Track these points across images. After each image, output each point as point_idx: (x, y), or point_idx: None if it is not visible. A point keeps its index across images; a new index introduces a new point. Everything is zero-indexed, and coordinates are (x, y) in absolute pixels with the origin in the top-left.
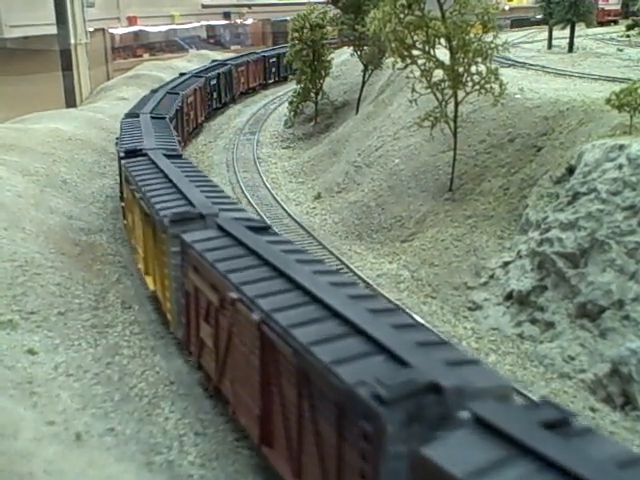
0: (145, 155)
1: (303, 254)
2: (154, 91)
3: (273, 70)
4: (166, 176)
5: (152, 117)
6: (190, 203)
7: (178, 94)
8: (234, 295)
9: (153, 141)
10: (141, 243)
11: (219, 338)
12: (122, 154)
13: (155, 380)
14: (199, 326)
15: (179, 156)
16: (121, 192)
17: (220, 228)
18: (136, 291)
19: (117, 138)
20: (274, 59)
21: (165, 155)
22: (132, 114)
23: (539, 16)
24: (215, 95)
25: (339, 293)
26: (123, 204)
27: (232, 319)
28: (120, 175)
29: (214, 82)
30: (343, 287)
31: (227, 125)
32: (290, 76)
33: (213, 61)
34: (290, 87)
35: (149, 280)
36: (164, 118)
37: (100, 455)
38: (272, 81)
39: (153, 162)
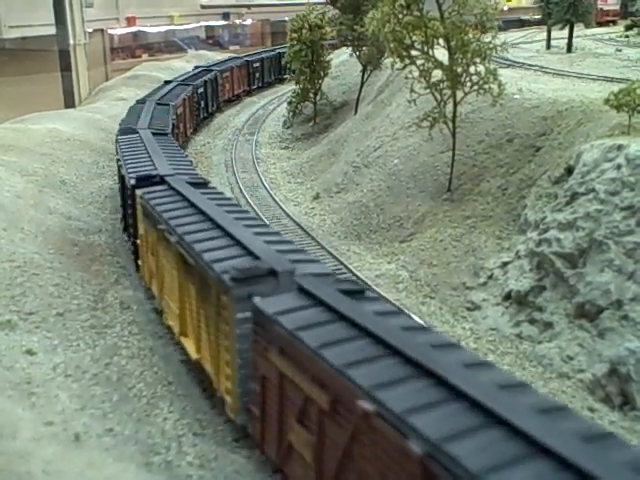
0: (164, 183)
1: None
2: (141, 102)
3: (257, 75)
4: (203, 213)
5: (153, 133)
6: (250, 253)
7: (168, 105)
8: (368, 406)
9: (166, 164)
10: (175, 297)
11: (327, 453)
12: (133, 181)
13: (154, 380)
14: (286, 426)
15: (205, 184)
16: (131, 225)
17: (304, 291)
18: (134, 291)
19: (119, 160)
20: (257, 64)
21: (190, 183)
22: (128, 129)
23: (528, 16)
24: (202, 104)
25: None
26: (139, 241)
27: (360, 436)
28: (131, 206)
29: (201, 90)
30: None
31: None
32: (276, 82)
33: (196, 67)
34: (275, 94)
35: (188, 344)
36: (167, 134)
37: (99, 455)
38: (256, 87)
39: (179, 193)
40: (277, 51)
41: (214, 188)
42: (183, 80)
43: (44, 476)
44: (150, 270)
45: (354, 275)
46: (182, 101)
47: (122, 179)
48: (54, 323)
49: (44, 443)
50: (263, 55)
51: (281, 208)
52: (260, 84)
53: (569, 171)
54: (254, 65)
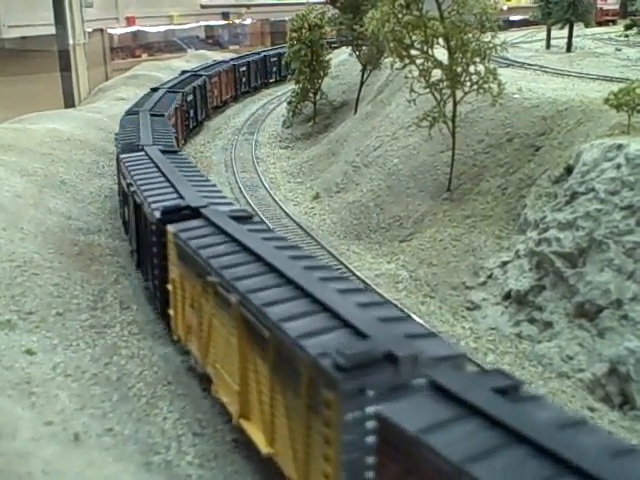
0: (200, 217)
1: None
2: (132, 113)
3: (244, 80)
4: (264, 261)
5: (162, 151)
6: (347, 323)
7: (163, 115)
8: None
9: (193, 192)
10: (233, 369)
11: None
12: (158, 214)
13: (153, 380)
14: None
15: (250, 217)
16: (154, 265)
17: (440, 390)
18: (134, 291)
19: (131, 185)
20: (244, 68)
21: (233, 218)
22: (132, 147)
23: (520, 17)
24: (192, 113)
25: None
26: (169, 287)
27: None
28: (157, 243)
29: (190, 98)
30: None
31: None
32: (262, 86)
33: (183, 72)
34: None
35: (253, 432)
36: (177, 152)
37: (98, 455)
38: (242, 92)
39: (224, 232)
40: (263, 54)
41: (261, 223)
42: (171, 87)
43: (44, 476)
44: (189, 326)
45: (354, 275)
46: (174, 111)
47: (137, 208)
48: (54, 323)
49: (44, 443)
50: (249, 58)
51: (281, 208)
52: (247, 88)
53: (569, 170)
54: (241, 69)
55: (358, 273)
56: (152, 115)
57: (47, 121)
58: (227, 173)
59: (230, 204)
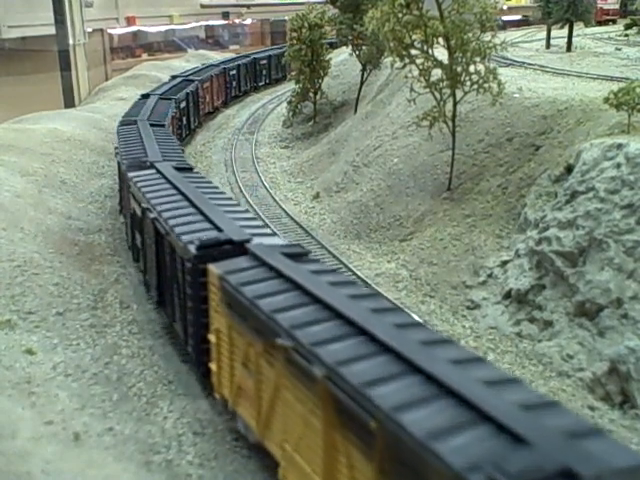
0: (250, 255)
1: None
2: (128, 122)
3: (234, 84)
4: (345, 318)
5: (178, 168)
6: (502, 428)
7: (164, 126)
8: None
9: (229, 220)
10: (314, 459)
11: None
12: (194, 249)
13: (153, 380)
14: None
15: (307, 254)
16: (186, 309)
17: None
18: (134, 291)
19: (149, 211)
20: (234, 72)
21: (288, 255)
22: (141, 163)
23: (513, 17)
24: (184, 121)
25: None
26: (212, 337)
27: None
28: (194, 285)
29: (183, 105)
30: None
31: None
32: (252, 90)
33: (172, 77)
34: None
35: None
36: (192, 169)
37: (99, 455)
38: (233, 96)
39: (287, 278)
40: (252, 57)
41: (319, 262)
42: (163, 93)
43: (44, 475)
44: (240, 388)
45: (354, 274)
46: (171, 120)
47: (159, 238)
48: (54, 322)
49: (44, 442)
50: (239, 62)
51: (281, 207)
52: (237, 93)
53: (569, 170)
54: (231, 73)
55: (358, 272)
56: (152, 125)
57: (47, 121)
58: (227, 173)
59: (274, 235)
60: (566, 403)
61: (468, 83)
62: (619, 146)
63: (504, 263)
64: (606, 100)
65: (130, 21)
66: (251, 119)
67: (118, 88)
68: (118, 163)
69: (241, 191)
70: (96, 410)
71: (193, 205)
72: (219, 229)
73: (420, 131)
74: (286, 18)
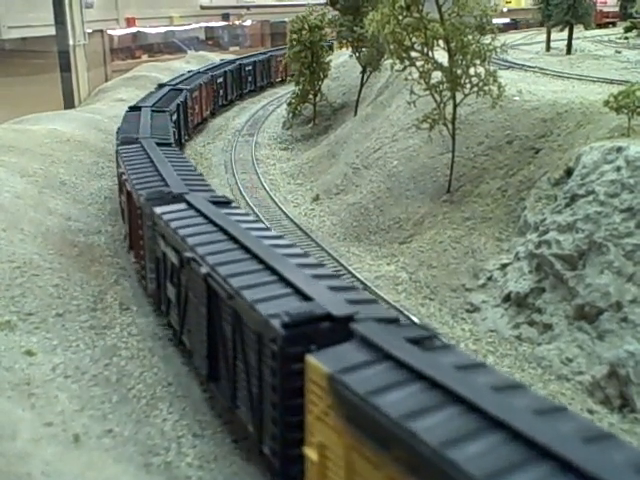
0: (375, 348)
1: None
2: (129, 142)
3: (221, 93)
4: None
5: (214, 202)
6: None
7: (171, 144)
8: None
9: (315, 283)
10: None
11: None
12: (281, 328)
13: (153, 381)
14: None
15: (433, 337)
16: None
17: None
18: (134, 292)
19: (195, 262)
20: (221, 79)
21: (411, 341)
22: (164, 196)
23: (505, 19)
24: (176, 135)
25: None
26: (310, 453)
27: None
28: (284, 392)
29: (175, 117)
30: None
31: None
32: (237, 98)
33: (160, 85)
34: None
35: None
36: (229, 202)
37: (98, 456)
38: (220, 105)
39: (434, 383)
40: (238, 62)
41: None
42: (153, 105)
43: (43, 477)
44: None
45: (354, 277)
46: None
47: (212, 295)
48: (54, 324)
49: (43, 444)
50: (225, 68)
51: (281, 209)
52: (224, 102)
53: (569, 173)
54: (218, 81)
55: (358, 275)
56: (160, 145)
57: (47, 122)
58: (227, 174)
59: (375, 303)
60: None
61: (468, 86)
62: (619, 149)
63: (504, 266)
64: (606, 103)
65: (130, 22)
66: (251, 121)
67: (118, 89)
68: (123, 186)
69: (241, 193)
70: (96, 412)
71: (257, 258)
72: (306, 296)
73: (420, 133)
74: (286, 20)
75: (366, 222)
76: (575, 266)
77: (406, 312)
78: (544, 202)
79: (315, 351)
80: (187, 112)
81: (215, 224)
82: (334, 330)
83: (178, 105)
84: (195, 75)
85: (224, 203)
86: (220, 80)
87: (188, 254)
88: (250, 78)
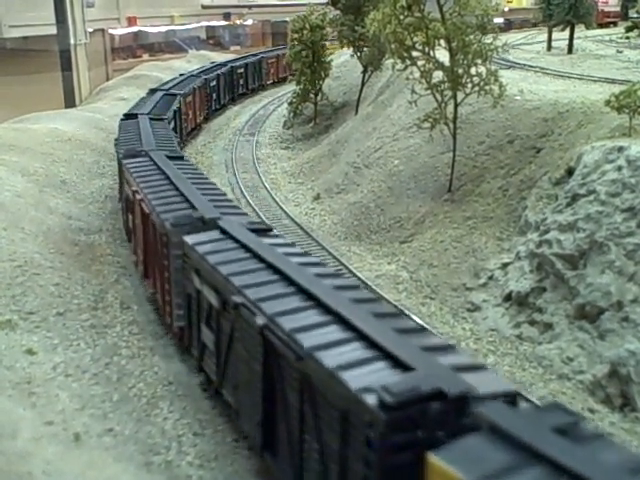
0: (505, 439)
1: None
2: (133, 155)
3: (214, 97)
4: None
5: (254, 231)
6: None
7: (182, 157)
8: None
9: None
10: None
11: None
12: (385, 416)
13: (154, 380)
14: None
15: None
16: None
17: None
18: (135, 291)
19: (262, 321)
20: (214, 82)
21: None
22: (192, 222)
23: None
24: None
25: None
26: None
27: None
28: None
29: (172, 125)
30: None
31: None
32: (230, 102)
33: (151, 90)
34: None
35: None
36: (270, 230)
37: (99, 455)
38: (214, 109)
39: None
40: (230, 65)
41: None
42: (150, 112)
43: (44, 476)
44: None
45: (355, 276)
46: None
47: (272, 353)
48: (54, 323)
49: (44, 443)
50: (218, 71)
51: (281, 208)
52: (217, 106)
53: (570, 172)
54: (211, 84)
55: (359, 274)
56: (170, 158)
57: (48, 121)
58: (228, 173)
59: (487, 370)
60: (567, 406)
61: (469, 85)
62: (620, 149)
63: (505, 265)
64: (607, 103)
65: (131, 21)
66: (252, 120)
67: (119, 88)
68: (135, 206)
69: (242, 192)
70: (96, 411)
71: (323, 306)
72: (401, 363)
73: (421, 133)
74: (287, 19)
75: (367, 221)
76: (576, 265)
77: (407, 311)
78: (545, 201)
79: (433, 442)
80: (181, 118)
81: (261, 259)
82: (446, 412)
83: (175, 112)
84: (188, 79)
85: (264, 230)
86: (213, 84)
87: (236, 298)
88: (242, 81)
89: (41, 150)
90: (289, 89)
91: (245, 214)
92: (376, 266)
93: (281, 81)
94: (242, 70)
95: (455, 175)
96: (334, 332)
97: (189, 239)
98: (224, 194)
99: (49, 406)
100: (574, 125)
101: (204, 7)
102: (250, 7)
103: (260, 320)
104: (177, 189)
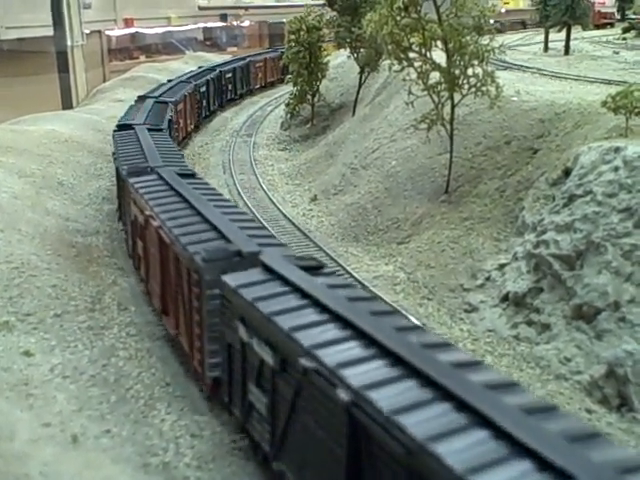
0: None
1: None
2: (136, 172)
3: (204, 104)
4: None
5: (306, 268)
6: None
7: (194, 175)
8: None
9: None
10: None
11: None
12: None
13: (151, 382)
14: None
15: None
16: None
17: None
18: (132, 293)
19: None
20: (204, 88)
21: None
22: (223, 254)
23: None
24: None
25: None
26: None
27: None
28: None
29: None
30: None
31: None
32: (219, 108)
33: (140, 98)
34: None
35: None
36: (322, 268)
37: (96, 457)
38: (204, 116)
39: None
40: (218, 70)
41: None
42: (144, 122)
43: (41, 478)
44: None
45: (352, 277)
46: None
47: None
48: (52, 324)
49: (42, 444)
50: (208, 76)
51: (279, 210)
52: (207, 113)
53: (567, 173)
54: (201, 90)
55: (356, 275)
56: (182, 175)
57: (45, 122)
58: (225, 175)
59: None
60: (563, 406)
61: (466, 86)
62: (617, 149)
63: (502, 266)
64: (604, 104)
65: (128, 23)
66: (249, 121)
67: (116, 90)
68: (145, 231)
69: (239, 193)
70: (94, 412)
71: (424, 376)
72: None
73: (418, 134)
74: (284, 20)
75: (364, 222)
76: (573, 266)
77: (404, 312)
78: (542, 202)
79: None
80: (172, 128)
81: (325, 308)
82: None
83: (169, 121)
84: (177, 85)
85: (316, 268)
86: (203, 90)
87: (305, 362)
88: (230, 86)
89: (38, 152)
90: (278, 94)
91: (283, 245)
92: (373, 267)
93: (268, 85)
94: (230, 75)
95: (452, 176)
96: (449, 414)
97: (230, 280)
98: (253, 219)
99: (46, 408)
100: (571, 126)
101: (201, 8)
102: (247, 8)
103: (345, 395)
104: (200, 214)
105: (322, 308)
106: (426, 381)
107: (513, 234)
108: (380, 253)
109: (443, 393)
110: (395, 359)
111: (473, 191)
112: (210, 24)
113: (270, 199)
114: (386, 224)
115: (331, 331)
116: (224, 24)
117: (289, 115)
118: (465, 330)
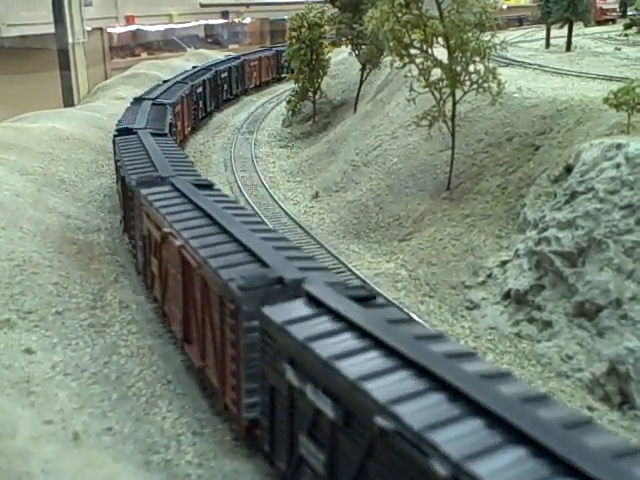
0: None
1: None
2: (147, 183)
3: (200, 105)
4: None
5: (354, 297)
6: None
7: (211, 186)
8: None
9: None
10: None
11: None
12: None
13: (153, 379)
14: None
15: None
16: None
17: None
18: (134, 290)
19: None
20: (200, 89)
21: None
22: (262, 281)
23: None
24: None
25: None
26: None
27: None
28: None
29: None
30: None
31: None
32: (215, 110)
33: (135, 99)
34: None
35: None
36: (373, 297)
37: (98, 454)
38: (200, 118)
39: None
40: (214, 70)
41: None
42: (145, 127)
43: (43, 475)
44: None
45: (353, 274)
46: None
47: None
48: (53, 322)
49: (43, 442)
50: (204, 77)
51: (280, 207)
52: (203, 114)
53: (568, 170)
54: (198, 91)
55: (357, 272)
56: (199, 186)
57: (46, 120)
58: (226, 172)
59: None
60: (565, 403)
61: (468, 83)
62: (619, 146)
63: (503, 263)
64: (606, 100)
65: (129, 20)
66: (250, 118)
67: (117, 87)
68: (164, 252)
69: (240, 191)
70: (95, 410)
71: (516, 431)
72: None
73: (419, 131)
74: (285, 17)
75: (366, 219)
76: (575, 263)
77: (406, 309)
78: (544, 199)
79: None
80: (171, 131)
81: (392, 350)
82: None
83: (170, 125)
84: (173, 86)
85: (368, 299)
86: (199, 90)
87: (381, 420)
88: (225, 86)
89: (39, 149)
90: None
91: (325, 268)
92: (375, 264)
93: (263, 85)
94: (226, 74)
95: (454, 173)
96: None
97: (273, 314)
98: (286, 239)
99: (48, 405)
100: (572, 122)
101: (202, 5)
102: (248, 5)
103: (442, 469)
104: (227, 232)
105: (389, 350)
106: (518, 435)
107: (515, 231)
108: (381, 250)
109: (519, 435)
110: (495, 419)
111: (475, 188)
112: (211, 21)
113: (271, 196)
114: (387, 221)
115: (406, 381)
116: (225, 21)
117: (291, 112)
118: (467, 327)
